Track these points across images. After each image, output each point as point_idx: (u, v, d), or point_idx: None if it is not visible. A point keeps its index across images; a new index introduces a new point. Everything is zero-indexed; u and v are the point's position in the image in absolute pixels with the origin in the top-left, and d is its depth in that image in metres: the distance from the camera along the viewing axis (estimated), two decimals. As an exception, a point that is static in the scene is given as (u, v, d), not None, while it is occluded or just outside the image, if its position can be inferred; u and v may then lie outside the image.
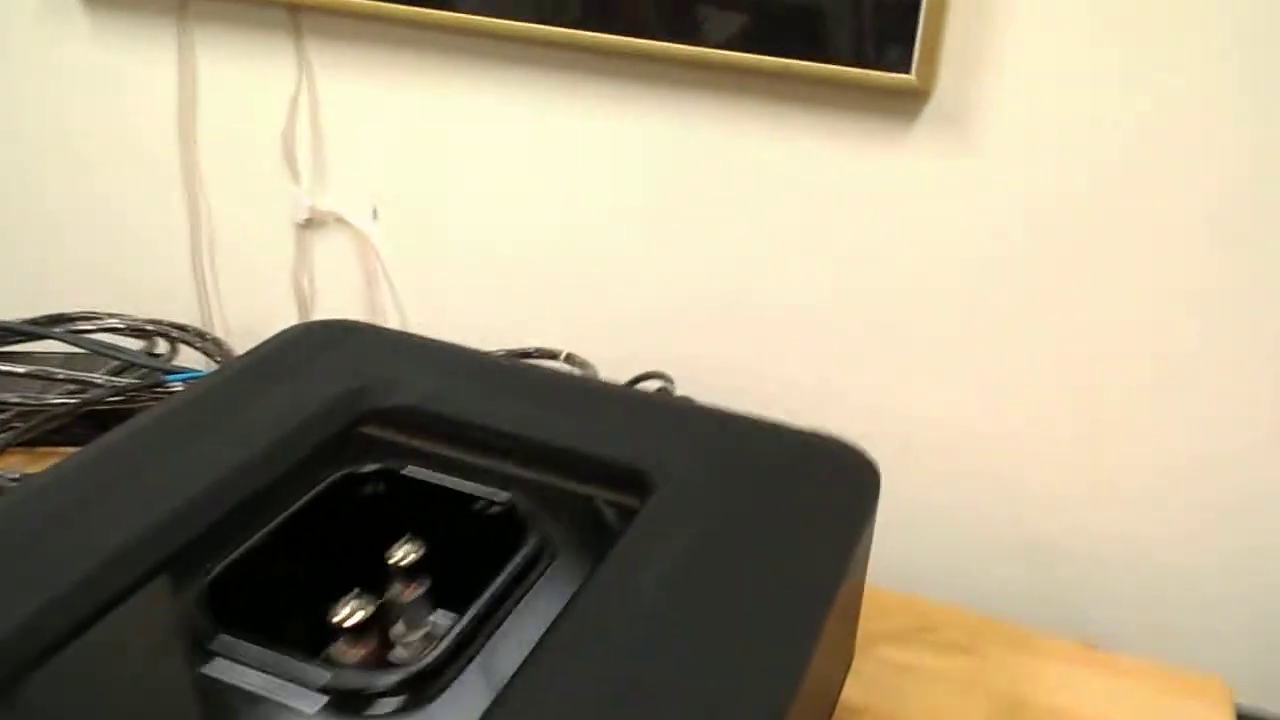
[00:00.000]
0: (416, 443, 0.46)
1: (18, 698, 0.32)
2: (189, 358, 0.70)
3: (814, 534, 0.41)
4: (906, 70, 0.54)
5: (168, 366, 0.65)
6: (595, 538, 0.41)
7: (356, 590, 0.38)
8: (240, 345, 0.72)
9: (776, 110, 0.58)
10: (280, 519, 0.40)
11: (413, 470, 0.44)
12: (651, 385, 0.61)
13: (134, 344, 0.72)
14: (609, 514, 0.43)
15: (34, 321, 0.69)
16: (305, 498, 0.42)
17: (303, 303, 0.76)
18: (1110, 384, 0.57)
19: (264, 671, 0.34)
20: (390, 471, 0.44)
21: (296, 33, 0.67)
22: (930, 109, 0.55)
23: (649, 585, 0.37)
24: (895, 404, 0.59)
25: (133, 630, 0.35)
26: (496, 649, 0.35)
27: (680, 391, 0.59)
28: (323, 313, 0.76)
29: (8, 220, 0.83)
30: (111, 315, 0.72)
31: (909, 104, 0.55)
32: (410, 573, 0.40)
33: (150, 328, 0.73)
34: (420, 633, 0.41)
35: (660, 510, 0.41)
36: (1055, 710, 0.50)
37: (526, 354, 0.63)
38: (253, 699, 0.33)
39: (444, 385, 0.50)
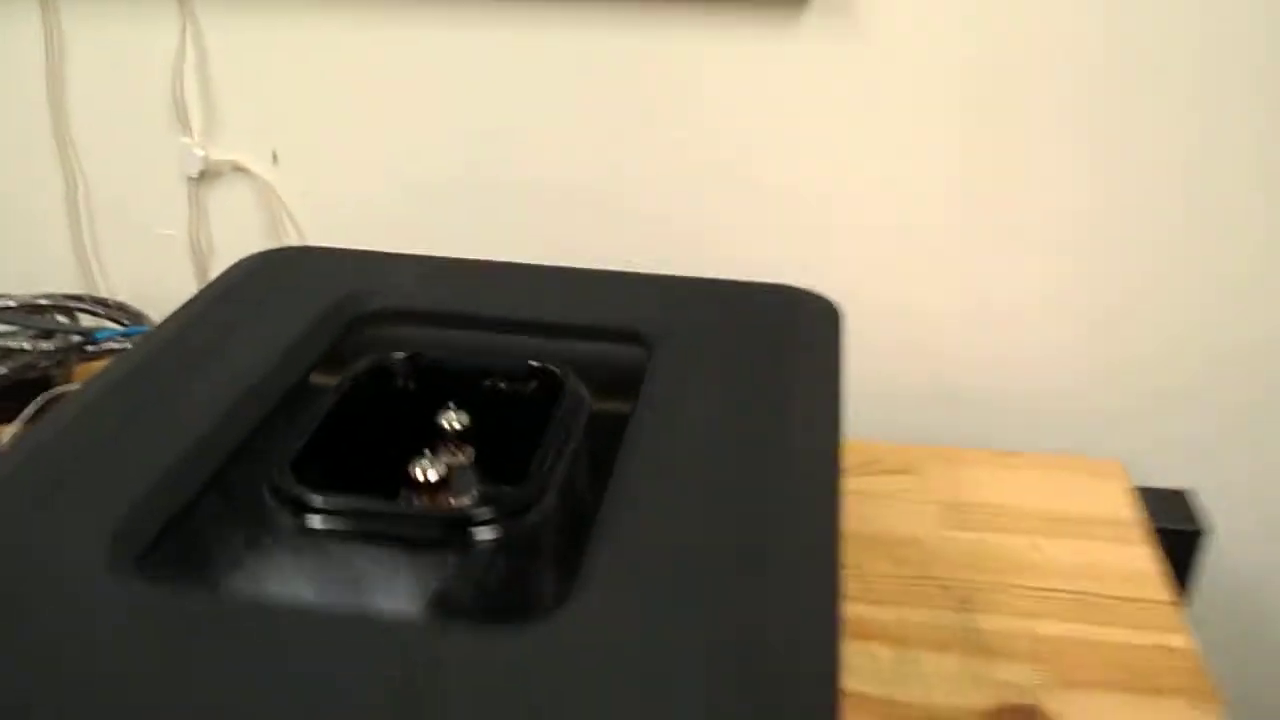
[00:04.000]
0: (415, 337, 0.49)
1: (150, 569, 0.33)
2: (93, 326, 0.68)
3: (806, 370, 0.46)
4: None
5: (92, 328, 0.63)
6: (617, 391, 0.45)
7: (426, 452, 0.41)
8: (140, 309, 0.71)
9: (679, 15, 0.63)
10: (330, 404, 0.42)
11: (434, 355, 0.47)
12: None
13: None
14: (620, 370, 0.47)
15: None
16: (344, 386, 0.44)
17: (200, 260, 0.75)
18: (985, 255, 0.66)
19: (362, 516, 0.36)
20: (416, 356, 0.46)
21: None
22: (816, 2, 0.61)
23: (684, 425, 0.42)
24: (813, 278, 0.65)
25: (230, 505, 0.37)
26: (574, 482, 0.39)
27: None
28: (222, 268, 0.75)
29: None
30: None
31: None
32: (457, 442, 0.43)
33: (45, 302, 0.70)
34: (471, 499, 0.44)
35: (666, 363, 0.46)
36: (988, 503, 0.58)
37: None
38: (361, 540, 0.36)
39: (422, 285, 0.52)
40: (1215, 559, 0.64)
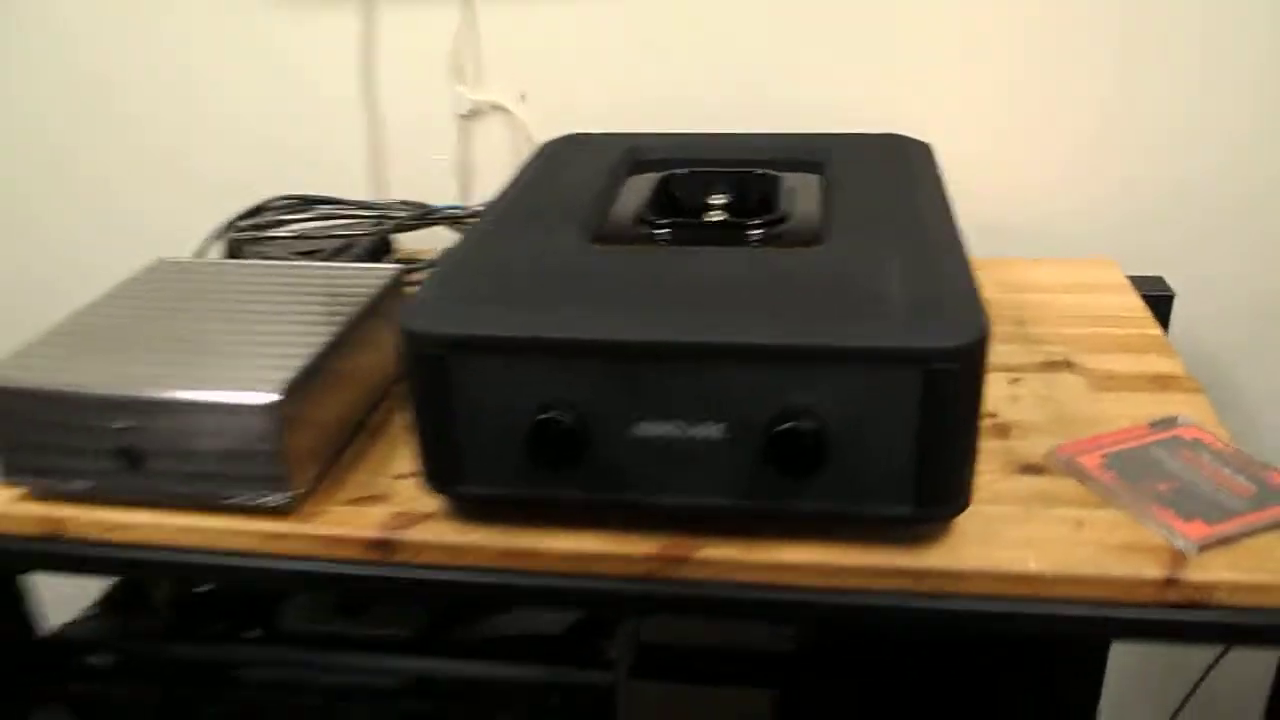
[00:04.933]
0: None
1: (599, 242, 0.65)
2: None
3: (923, 177, 0.77)
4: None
5: (431, 205, 0.95)
6: (813, 185, 0.76)
7: (710, 205, 0.72)
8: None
9: None
10: (651, 186, 0.74)
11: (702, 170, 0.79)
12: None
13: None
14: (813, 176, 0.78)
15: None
16: (657, 180, 0.76)
17: (464, 179, 1.07)
18: (1010, 112, 0.97)
19: (686, 226, 0.68)
20: (686, 173, 0.78)
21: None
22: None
23: (857, 194, 0.73)
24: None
25: (621, 225, 0.69)
26: (802, 210, 0.70)
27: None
28: (482, 186, 1.07)
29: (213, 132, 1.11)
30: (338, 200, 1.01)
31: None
32: (720, 210, 0.74)
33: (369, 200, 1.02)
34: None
35: (836, 175, 0.77)
36: (1026, 281, 0.89)
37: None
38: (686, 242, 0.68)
39: (674, 146, 0.84)
40: (1181, 329, 0.94)
